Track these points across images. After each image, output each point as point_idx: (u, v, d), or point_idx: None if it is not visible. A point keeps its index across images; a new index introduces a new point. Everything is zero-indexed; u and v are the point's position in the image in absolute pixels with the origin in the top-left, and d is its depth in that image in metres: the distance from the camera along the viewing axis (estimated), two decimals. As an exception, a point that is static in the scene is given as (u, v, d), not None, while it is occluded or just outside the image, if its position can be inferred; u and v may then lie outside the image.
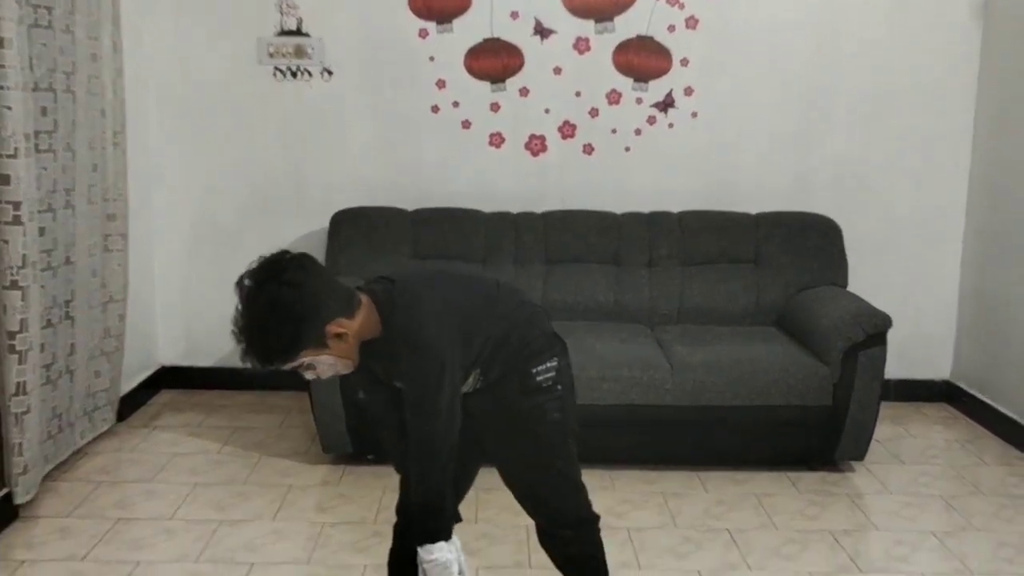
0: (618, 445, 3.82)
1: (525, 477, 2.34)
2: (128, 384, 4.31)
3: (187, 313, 4.71)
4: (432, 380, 2.08)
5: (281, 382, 4.55)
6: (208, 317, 4.69)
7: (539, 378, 2.25)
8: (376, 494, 3.54)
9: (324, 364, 2.07)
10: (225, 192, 4.62)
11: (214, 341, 4.70)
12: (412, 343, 2.08)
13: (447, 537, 2.12)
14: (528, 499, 2.37)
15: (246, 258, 4.72)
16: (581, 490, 2.36)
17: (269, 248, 4.57)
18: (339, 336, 2.04)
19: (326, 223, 4.39)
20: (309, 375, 2.11)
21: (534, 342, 2.28)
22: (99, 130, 3.80)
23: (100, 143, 3.81)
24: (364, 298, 2.11)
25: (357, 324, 2.06)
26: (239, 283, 2.05)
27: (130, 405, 4.31)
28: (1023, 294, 4.18)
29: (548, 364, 2.27)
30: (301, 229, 4.61)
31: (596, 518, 2.40)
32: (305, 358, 2.04)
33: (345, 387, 3.65)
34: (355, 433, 3.73)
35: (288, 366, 2.05)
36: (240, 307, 2.04)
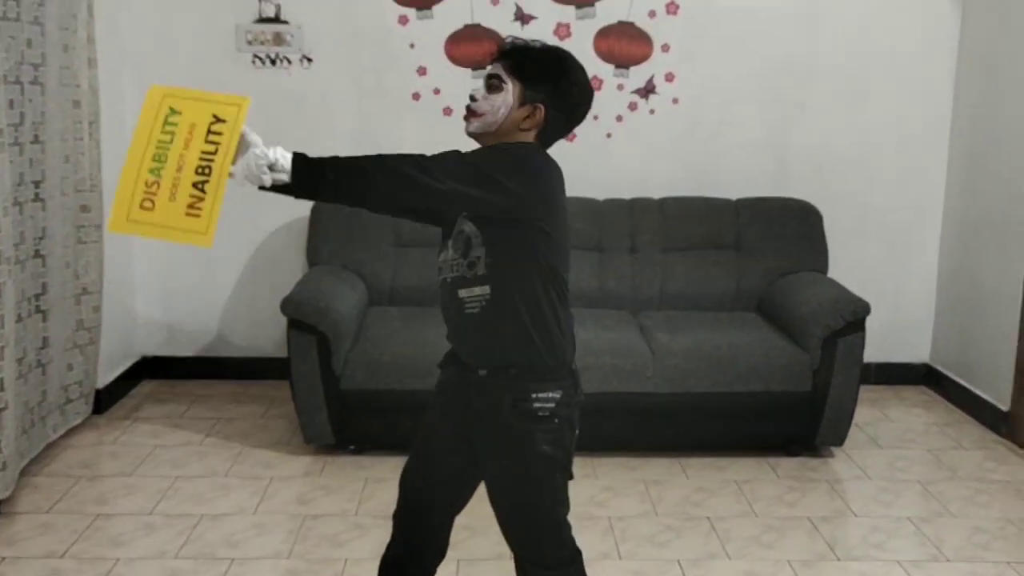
0: (600, 432, 3.80)
1: (505, 504, 2.17)
2: (109, 375, 4.30)
3: (167, 303, 4.69)
4: (480, 164, 2.02)
5: (263, 371, 4.59)
6: (189, 307, 4.68)
7: (536, 404, 2.08)
8: (357, 486, 3.54)
9: (500, 97, 2.09)
10: (204, 180, 4.58)
11: (195, 330, 4.70)
12: (515, 154, 2.08)
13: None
14: (505, 527, 2.19)
15: (227, 247, 4.79)
16: (564, 528, 2.18)
17: (249, 237, 4.66)
18: (529, 115, 2.10)
19: (307, 212, 4.38)
20: (482, 94, 2.11)
21: (551, 359, 2.10)
22: (72, 121, 3.77)
23: (73, 134, 3.78)
24: (533, 127, 2.13)
25: (530, 125, 2.11)
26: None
27: (111, 397, 4.29)
28: (1000, 279, 4.20)
29: (551, 394, 2.09)
30: (282, 218, 4.59)
31: (575, 557, 2.21)
32: (507, 75, 2.09)
33: (327, 377, 3.66)
34: (337, 424, 3.73)
35: (500, 73, 2.10)
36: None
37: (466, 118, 2.13)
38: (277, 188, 1.97)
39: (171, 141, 1.93)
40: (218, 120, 1.95)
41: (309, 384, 3.67)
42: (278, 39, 4.46)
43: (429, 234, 4.20)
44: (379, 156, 1.99)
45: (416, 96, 4.54)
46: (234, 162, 1.94)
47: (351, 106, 4.55)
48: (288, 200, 4.64)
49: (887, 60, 4.59)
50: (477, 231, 2.08)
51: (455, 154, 2.01)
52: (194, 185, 1.91)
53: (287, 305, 3.66)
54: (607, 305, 4.33)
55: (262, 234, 4.63)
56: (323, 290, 3.84)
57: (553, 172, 2.12)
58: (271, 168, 1.92)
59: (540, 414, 2.09)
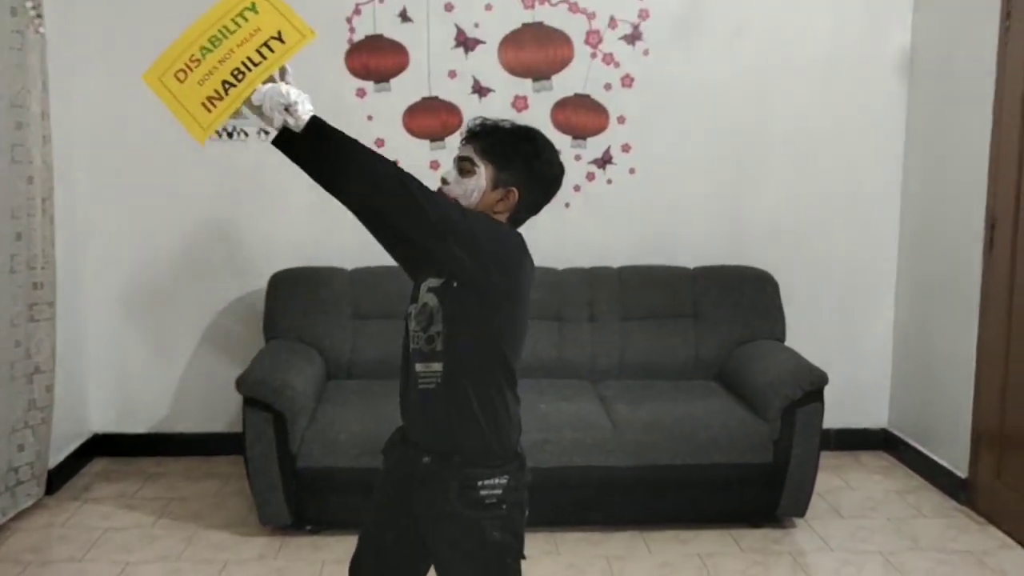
0: (561, 507, 3.79)
1: None
2: (59, 454, 4.19)
3: (120, 378, 4.60)
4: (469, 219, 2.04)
5: (218, 447, 4.51)
6: (142, 382, 4.60)
7: (483, 492, 2.05)
8: (315, 568, 3.46)
9: (473, 180, 2.10)
10: (159, 255, 4.54)
11: (149, 406, 4.61)
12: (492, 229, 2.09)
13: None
14: None
15: (180, 322, 4.73)
16: None
17: (205, 311, 4.61)
18: (502, 199, 2.11)
19: (263, 284, 4.34)
20: (454, 177, 2.12)
21: (497, 445, 2.10)
22: (25, 198, 3.72)
23: (26, 211, 3.73)
24: (507, 211, 2.14)
25: (504, 209, 2.12)
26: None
27: (61, 476, 4.18)
28: (953, 344, 4.26)
29: (497, 480, 2.06)
30: (238, 291, 4.55)
31: None
32: (479, 158, 2.10)
33: (283, 456, 3.59)
34: (294, 504, 3.66)
35: (471, 156, 2.11)
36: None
37: None
38: (279, 142, 1.97)
39: (233, 33, 1.96)
40: (279, 39, 1.95)
41: (265, 463, 3.60)
42: (235, 112, 4.44)
43: (388, 306, 4.26)
44: (387, 159, 2.01)
45: (374, 168, 4.54)
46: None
47: (308, 179, 4.51)
48: (245, 273, 4.65)
49: (838, 131, 4.69)
50: (439, 305, 2.08)
51: (455, 201, 2.08)
52: (223, 83, 1.94)
53: (242, 383, 3.60)
54: (567, 375, 4.31)
55: (218, 307, 4.57)
56: (279, 366, 3.79)
57: (526, 263, 2.13)
58: (287, 109, 1.90)
59: (488, 501, 2.07)
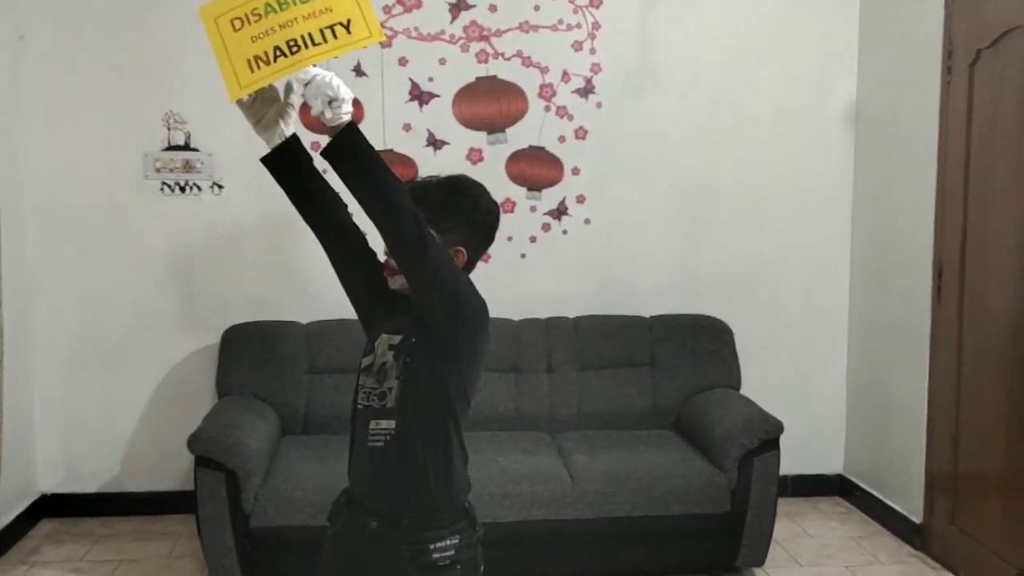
0: (521, 562, 3.75)
1: None
2: (5, 516, 4.08)
3: (69, 437, 4.49)
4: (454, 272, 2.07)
5: (169, 506, 4.41)
6: (92, 440, 4.50)
7: (435, 555, 2.03)
8: (270, 630, 3.40)
9: None
10: (110, 308, 4.47)
11: (98, 465, 4.51)
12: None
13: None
14: None
15: (132, 377, 4.66)
16: None
17: (156, 366, 4.53)
18: (455, 254, 2.11)
19: (217, 339, 4.29)
20: None
21: (445, 504, 2.09)
22: (-28, 255, 3.66)
23: (-27, 268, 3.67)
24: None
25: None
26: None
27: (7, 539, 4.07)
28: (905, 389, 4.31)
29: (448, 541, 2.05)
30: (191, 346, 4.49)
31: None
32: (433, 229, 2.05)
33: (236, 515, 3.52)
34: (247, 565, 3.58)
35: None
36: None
37: (387, 275, 2.11)
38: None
39: (303, 3, 1.91)
40: (346, 27, 1.91)
41: (217, 523, 3.53)
42: (187, 166, 4.43)
43: (343, 360, 4.23)
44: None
45: (329, 221, 4.53)
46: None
47: (263, 232, 4.51)
48: (198, 328, 4.58)
49: (788, 182, 4.77)
50: (394, 361, 2.07)
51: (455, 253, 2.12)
52: (276, 48, 1.89)
53: (194, 442, 3.54)
54: (525, 427, 4.30)
55: (170, 363, 4.50)
56: (232, 424, 3.73)
57: (488, 330, 2.15)
58: (330, 103, 1.89)
59: (441, 564, 2.05)
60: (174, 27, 4.34)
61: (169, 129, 4.41)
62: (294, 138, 2.10)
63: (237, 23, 1.92)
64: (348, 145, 1.93)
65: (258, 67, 1.89)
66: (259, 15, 1.91)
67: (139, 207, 4.43)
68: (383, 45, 4.46)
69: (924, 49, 4.13)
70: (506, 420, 4.30)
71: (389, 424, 2.06)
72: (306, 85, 1.91)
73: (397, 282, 2.12)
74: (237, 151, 4.44)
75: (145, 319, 4.49)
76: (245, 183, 4.46)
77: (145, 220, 4.44)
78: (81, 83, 4.34)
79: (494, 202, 2.21)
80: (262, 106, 2.02)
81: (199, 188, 4.46)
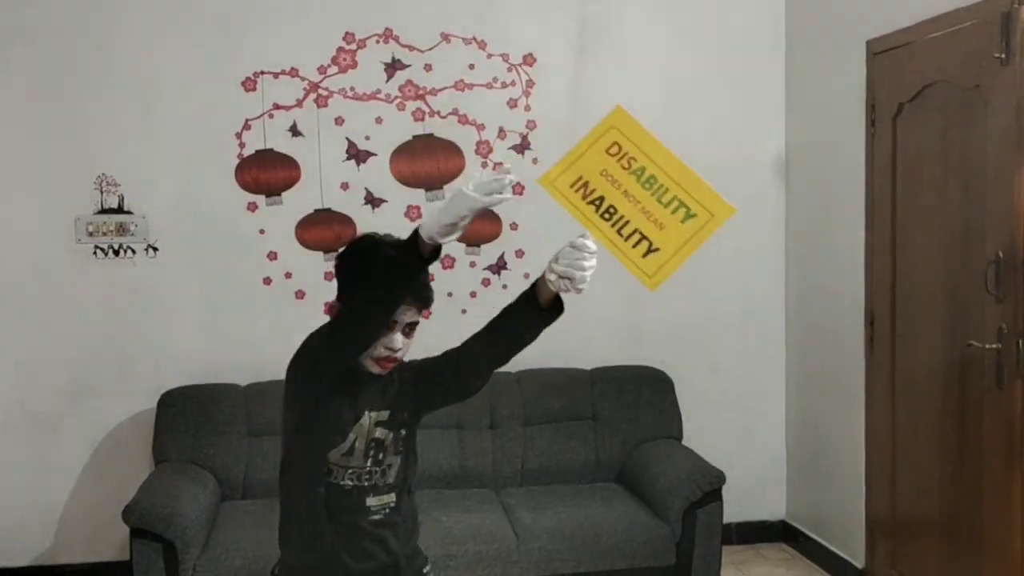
0: (466, 623, 3.73)
1: None
2: (-70, 595, 3.94)
3: (-1, 508, 4.37)
4: None
5: (104, 577, 4.30)
6: (23, 511, 4.37)
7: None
8: None
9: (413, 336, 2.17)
10: (39, 374, 4.36)
11: (30, 537, 4.37)
12: None
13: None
14: None
15: (65, 445, 4.54)
16: None
17: (90, 431, 4.43)
18: None
19: (153, 404, 4.21)
20: (407, 340, 2.13)
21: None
22: None
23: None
24: None
25: None
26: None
27: (-68, 619, 3.93)
28: (843, 436, 4.38)
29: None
30: (126, 412, 4.40)
31: None
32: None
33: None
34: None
35: (417, 318, 2.15)
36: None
37: (386, 367, 2.12)
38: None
39: (658, 202, 2.05)
40: (648, 247, 2.03)
41: (155, 595, 3.45)
42: (121, 229, 4.38)
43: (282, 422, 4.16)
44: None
45: (267, 281, 4.51)
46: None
47: (200, 293, 4.46)
48: (133, 393, 4.49)
49: (721, 233, 4.76)
50: (393, 439, 2.15)
51: None
52: (601, 197, 2.03)
53: (130, 513, 3.46)
54: (468, 484, 4.28)
55: (105, 429, 4.41)
56: (169, 493, 3.66)
57: None
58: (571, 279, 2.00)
59: None
60: (105, 88, 4.32)
61: (102, 192, 4.36)
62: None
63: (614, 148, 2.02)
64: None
65: (578, 188, 2.02)
66: (629, 166, 2.02)
67: (71, 271, 4.36)
68: (319, 104, 4.48)
69: (848, 103, 4.25)
70: (450, 478, 4.28)
71: (390, 498, 2.17)
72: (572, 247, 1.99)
73: (387, 368, 2.14)
74: (171, 213, 4.42)
75: (78, 384, 4.39)
76: (180, 245, 4.43)
77: (78, 284, 4.37)
78: (10, 145, 4.28)
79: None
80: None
81: (133, 251, 4.40)
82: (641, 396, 4.52)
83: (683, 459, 4.09)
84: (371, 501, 2.13)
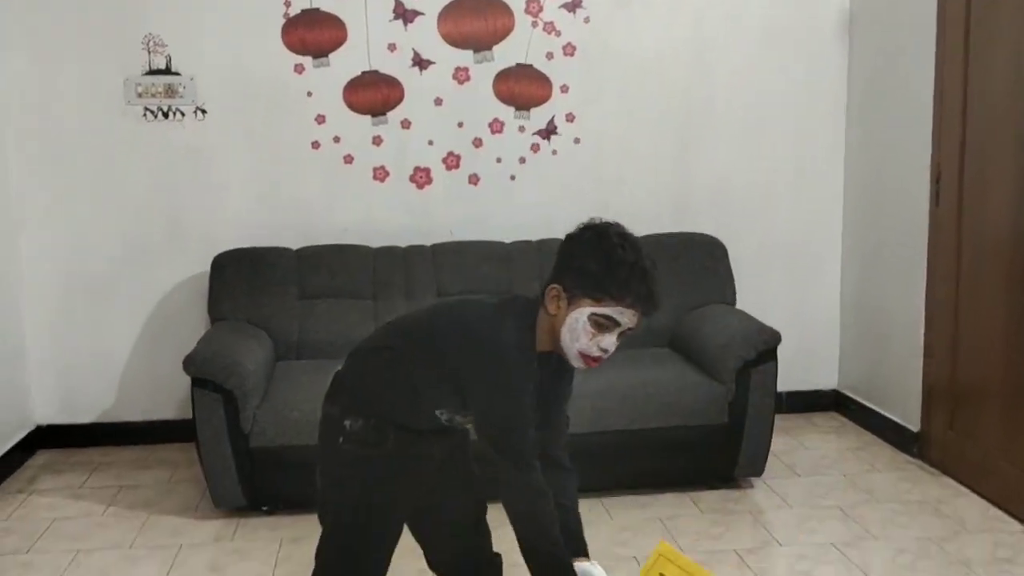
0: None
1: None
2: (1, 448, 4.05)
3: (62, 369, 4.46)
4: None
5: (166, 435, 4.40)
6: (86, 371, 4.47)
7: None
8: (272, 547, 3.39)
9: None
10: (97, 238, 4.40)
11: (93, 396, 4.48)
12: None
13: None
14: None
15: (122, 306, 4.62)
16: None
17: (147, 295, 4.49)
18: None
19: (207, 267, 4.23)
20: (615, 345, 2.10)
21: None
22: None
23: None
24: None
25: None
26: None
27: (3, 469, 4.05)
28: (902, 300, 4.30)
29: None
30: (180, 274, 4.43)
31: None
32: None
33: (235, 436, 3.51)
34: (247, 485, 3.58)
35: (636, 316, 2.09)
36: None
37: (592, 365, 2.12)
38: None
39: None
40: None
41: (216, 445, 3.51)
42: (170, 91, 4.34)
43: (334, 285, 4.20)
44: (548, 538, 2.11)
45: (316, 144, 4.46)
46: None
47: (249, 157, 4.43)
48: (186, 256, 4.54)
49: (780, 95, 4.71)
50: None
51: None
52: None
53: (190, 363, 3.50)
54: (520, 347, 4.28)
55: (159, 291, 4.46)
56: (228, 346, 3.70)
57: None
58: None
59: None
60: (150, -54, 4.23)
61: (149, 52, 4.31)
62: None
63: None
64: None
65: None
66: None
67: (122, 135, 4.34)
68: (364, -35, 4.36)
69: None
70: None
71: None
72: None
73: (592, 367, 2.18)
74: (220, 74, 4.37)
75: (133, 248, 4.42)
76: (228, 107, 4.38)
77: (128, 148, 4.36)
78: (59, 4, 4.22)
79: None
80: None
81: (182, 114, 4.37)
82: (693, 262, 4.45)
83: (738, 320, 4.04)
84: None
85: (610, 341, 2.06)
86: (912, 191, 4.17)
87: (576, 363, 2.12)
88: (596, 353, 2.07)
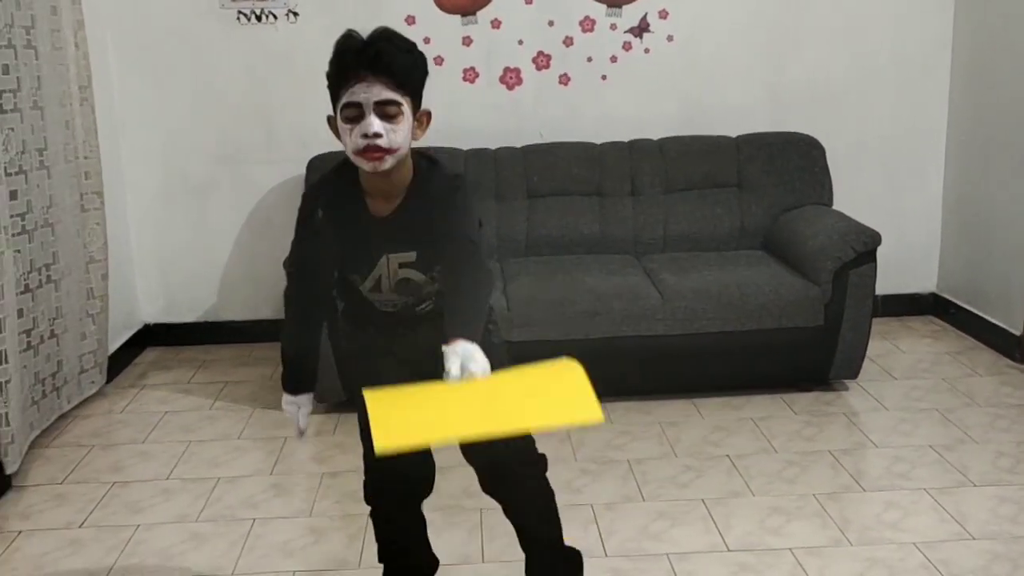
0: (611, 377, 3.73)
1: None
2: (112, 344, 4.23)
3: (165, 269, 4.61)
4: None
5: (265, 334, 4.53)
6: (187, 271, 4.62)
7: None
8: (373, 442, 3.50)
9: (402, 128, 1.91)
10: (194, 142, 4.49)
11: (195, 295, 4.64)
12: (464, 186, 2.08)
13: None
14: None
15: (219, 209, 4.73)
16: None
17: (243, 198, 4.58)
18: (421, 126, 2.00)
19: (302, 170, 4.29)
20: (385, 127, 1.88)
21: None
22: (66, 86, 3.67)
23: (68, 99, 3.68)
24: (422, 134, 2.05)
25: (421, 135, 2.01)
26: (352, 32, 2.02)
27: (116, 366, 4.23)
28: (1005, 203, 4.16)
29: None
30: (275, 177, 4.51)
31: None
32: (404, 100, 1.91)
33: (334, 333, 3.59)
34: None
35: (393, 96, 1.89)
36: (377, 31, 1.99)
37: (374, 158, 1.90)
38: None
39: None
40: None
41: (316, 342, 3.60)
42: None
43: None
44: (478, 279, 1.96)
45: (406, 46, 4.43)
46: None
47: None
48: (281, 159, 4.59)
49: (880, -15, 4.51)
50: (425, 278, 2.10)
51: (474, 221, 2.05)
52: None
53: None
54: (610, 250, 4.28)
55: (256, 194, 4.54)
56: (325, 246, 3.76)
57: None
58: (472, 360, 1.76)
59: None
60: None
61: (241, -46, 4.31)
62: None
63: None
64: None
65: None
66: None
67: (216, 38, 4.38)
68: None
69: None
70: (590, 243, 4.27)
71: (430, 304, 2.17)
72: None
73: (387, 163, 1.96)
74: (310, -25, 4.35)
75: (229, 151, 4.50)
76: (321, 9, 4.38)
77: (223, 51, 4.40)
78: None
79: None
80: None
81: (275, 16, 4.38)
82: (789, 162, 4.35)
83: (835, 220, 3.96)
84: (418, 309, 2.17)
85: (369, 124, 1.88)
86: (1022, 84, 3.97)
87: (367, 167, 1.93)
88: (363, 144, 1.89)
